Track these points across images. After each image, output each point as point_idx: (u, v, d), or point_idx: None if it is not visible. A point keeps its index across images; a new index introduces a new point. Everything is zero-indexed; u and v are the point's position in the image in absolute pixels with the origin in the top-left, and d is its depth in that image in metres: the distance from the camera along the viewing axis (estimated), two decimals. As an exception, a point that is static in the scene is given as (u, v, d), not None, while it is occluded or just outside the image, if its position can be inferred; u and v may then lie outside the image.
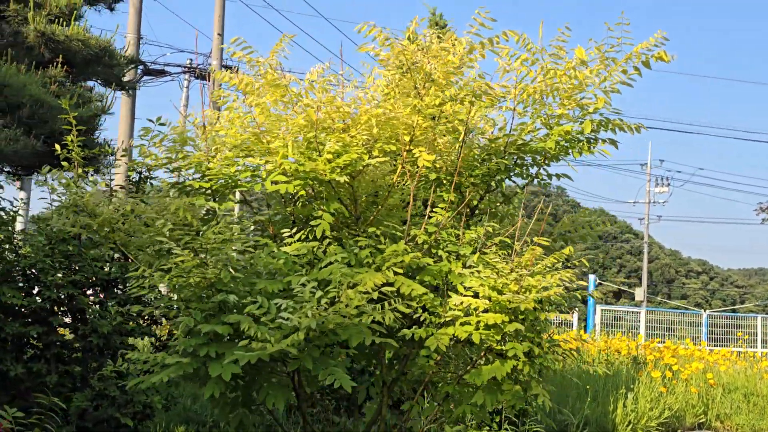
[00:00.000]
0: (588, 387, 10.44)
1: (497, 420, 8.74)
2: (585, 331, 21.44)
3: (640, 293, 42.47)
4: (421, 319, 4.43)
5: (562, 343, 5.90)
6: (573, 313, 27.96)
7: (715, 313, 27.34)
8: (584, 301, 26.04)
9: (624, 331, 23.44)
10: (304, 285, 4.15)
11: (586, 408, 10.03)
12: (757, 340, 25.21)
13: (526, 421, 8.98)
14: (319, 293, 4.05)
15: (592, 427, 9.99)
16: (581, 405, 10.14)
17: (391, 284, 4.33)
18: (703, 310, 27.68)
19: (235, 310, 4.27)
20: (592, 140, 5.06)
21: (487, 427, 8.59)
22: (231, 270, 4.38)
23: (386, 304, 4.07)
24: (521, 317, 4.20)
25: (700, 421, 11.65)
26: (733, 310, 48.32)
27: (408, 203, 4.75)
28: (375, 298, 4.08)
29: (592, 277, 25.80)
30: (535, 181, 5.30)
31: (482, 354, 4.56)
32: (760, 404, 12.01)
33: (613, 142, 5.09)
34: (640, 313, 25.96)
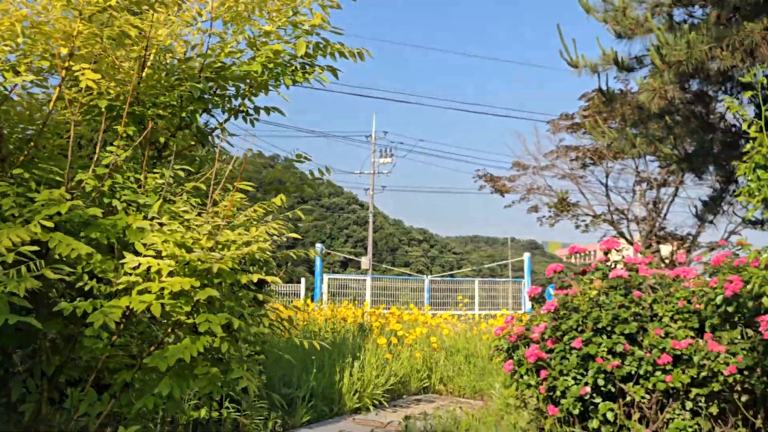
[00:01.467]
0: (314, 357, 9.82)
1: (216, 398, 7.89)
2: (312, 300, 21.08)
3: (365, 262, 43.52)
4: (87, 288, 3.38)
5: (285, 312, 5.14)
6: (300, 282, 27.69)
7: (437, 279, 28.32)
8: (312, 271, 25.78)
9: (351, 298, 23.46)
10: None
11: (312, 379, 9.42)
12: (475, 302, 26.38)
13: (249, 398, 8.19)
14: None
15: (318, 398, 9.42)
16: (307, 377, 9.52)
17: (45, 243, 3.25)
18: (425, 276, 28.52)
19: None
20: (307, 66, 4.23)
21: (206, 408, 7.71)
22: None
23: (24, 268, 2.97)
24: (217, 281, 3.27)
25: (425, 385, 11.55)
26: (452, 275, 50.96)
27: (76, 141, 3.66)
28: (12, 261, 2.98)
29: (319, 245, 25.63)
30: (240, 115, 4.39)
31: (169, 330, 3.58)
32: (480, 365, 12.15)
33: (333, 70, 4.29)
34: (365, 280, 26.15)
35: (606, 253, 7.29)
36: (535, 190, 22.84)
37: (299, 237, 3.59)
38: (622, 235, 20.96)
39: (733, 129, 10.90)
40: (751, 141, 4.85)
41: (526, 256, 26.50)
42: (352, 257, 60.59)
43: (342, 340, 11.49)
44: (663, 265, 18.22)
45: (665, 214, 21.23)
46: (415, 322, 13.81)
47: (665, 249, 20.50)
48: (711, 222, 14.01)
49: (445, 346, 12.75)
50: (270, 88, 4.23)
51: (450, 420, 8.23)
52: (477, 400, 11.07)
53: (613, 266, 7.19)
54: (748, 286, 4.63)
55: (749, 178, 4.81)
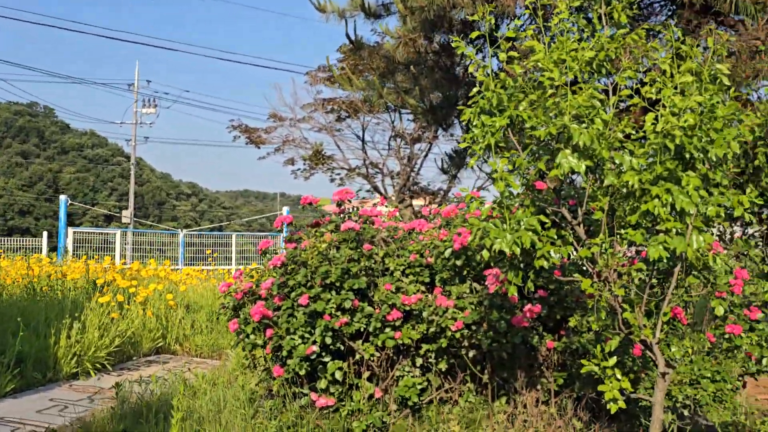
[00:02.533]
0: (19, 319, 8.70)
1: None
2: (48, 255, 19.55)
3: (126, 216, 41.75)
4: None
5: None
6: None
7: (192, 233, 27.27)
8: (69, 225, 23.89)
9: (104, 253, 22.06)
10: None
11: (19, 343, 8.34)
12: (232, 257, 25.72)
13: None
14: None
15: (29, 364, 8.40)
16: (15, 340, 8.44)
17: None
18: (180, 230, 27.39)
19: None
20: None
21: None
22: None
23: None
24: None
25: (159, 345, 10.77)
26: (220, 229, 49.89)
27: None
28: None
29: (63, 197, 23.81)
30: None
31: None
32: (224, 321, 11.54)
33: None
34: (116, 234, 24.66)
35: (339, 205, 6.87)
36: (290, 143, 22.36)
37: None
38: (376, 189, 21.06)
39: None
40: (477, 85, 4.59)
41: (285, 209, 26.15)
42: (115, 213, 57.69)
43: (63, 298, 10.42)
44: (415, 219, 18.48)
45: (419, 169, 21.61)
46: (154, 278, 12.92)
47: (418, 203, 20.82)
48: (455, 176, 14.23)
49: (187, 303, 12.01)
50: None
51: (177, 383, 7.55)
52: (215, 359, 10.49)
53: (347, 218, 6.79)
54: (470, 237, 4.36)
55: (474, 123, 4.54)
